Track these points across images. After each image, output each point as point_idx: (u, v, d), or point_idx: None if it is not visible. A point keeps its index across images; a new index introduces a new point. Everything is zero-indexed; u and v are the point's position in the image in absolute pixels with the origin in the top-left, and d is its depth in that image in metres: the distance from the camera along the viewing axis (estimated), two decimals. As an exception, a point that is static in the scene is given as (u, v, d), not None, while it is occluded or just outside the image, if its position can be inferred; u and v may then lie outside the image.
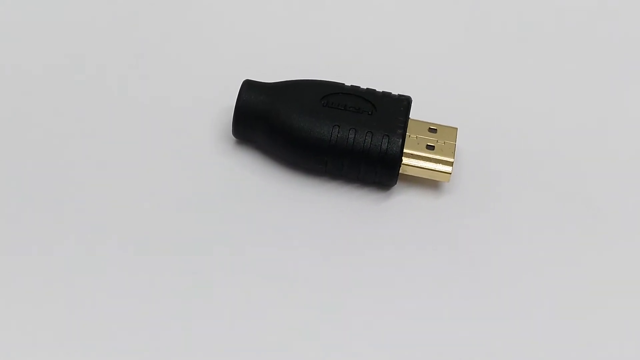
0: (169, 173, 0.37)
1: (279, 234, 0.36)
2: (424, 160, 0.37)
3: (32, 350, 0.34)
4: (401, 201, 0.37)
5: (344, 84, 0.37)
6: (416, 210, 0.37)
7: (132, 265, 0.35)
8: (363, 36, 0.41)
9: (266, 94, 0.37)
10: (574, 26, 0.42)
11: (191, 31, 0.41)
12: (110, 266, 0.35)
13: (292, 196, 0.37)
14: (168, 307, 0.34)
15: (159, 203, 0.36)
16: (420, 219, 0.37)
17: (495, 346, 0.34)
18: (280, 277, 0.35)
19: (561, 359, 0.34)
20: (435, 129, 0.37)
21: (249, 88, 0.37)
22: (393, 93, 0.37)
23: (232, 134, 0.37)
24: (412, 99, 0.37)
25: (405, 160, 0.36)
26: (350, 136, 0.36)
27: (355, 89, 0.37)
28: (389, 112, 0.37)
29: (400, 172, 0.37)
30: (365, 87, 0.37)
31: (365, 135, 0.36)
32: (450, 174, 0.37)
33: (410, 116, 0.37)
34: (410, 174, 0.37)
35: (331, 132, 0.36)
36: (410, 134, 0.37)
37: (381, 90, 0.37)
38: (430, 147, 0.37)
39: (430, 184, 0.37)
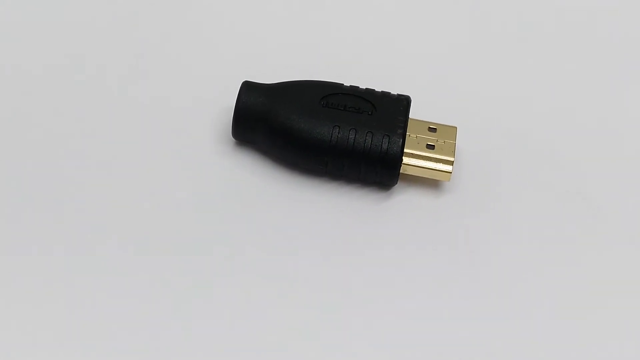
0: (169, 173, 0.37)
1: (279, 234, 0.36)
2: (424, 160, 0.37)
3: (32, 350, 0.34)
4: (402, 201, 0.37)
5: (342, 84, 0.37)
6: (417, 210, 0.37)
7: (132, 265, 0.35)
8: (362, 36, 0.41)
9: (265, 95, 0.37)
10: (574, 26, 0.42)
11: (191, 31, 0.41)
12: (110, 266, 0.35)
13: (292, 196, 0.37)
14: (168, 307, 0.34)
15: (159, 203, 0.36)
16: (420, 219, 0.37)
17: (495, 346, 0.34)
18: (280, 277, 0.35)
19: (561, 359, 0.34)
20: (435, 128, 0.37)
21: (248, 90, 0.37)
22: (392, 93, 0.37)
23: (232, 135, 0.37)
24: (411, 99, 0.37)
25: (405, 159, 0.36)
26: (350, 136, 0.36)
27: (354, 89, 0.37)
28: (388, 112, 0.37)
29: (400, 171, 0.36)
30: (364, 87, 0.37)
31: (366, 136, 0.36)
32: (451, 173, 0.37)
33: (410, 116, 0.37)
34: (410, 173, 0.37)
35: (331, 133, 0.36)
36: (410, 134, 0.37)
37: (380, 90, 0.37)
38: (431, 147, 0.37)
39: (430, 183, 0.37)
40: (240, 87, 0.37)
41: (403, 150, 0.36)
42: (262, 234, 0.36)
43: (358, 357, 0.34)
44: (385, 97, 0.37)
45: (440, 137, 0.37)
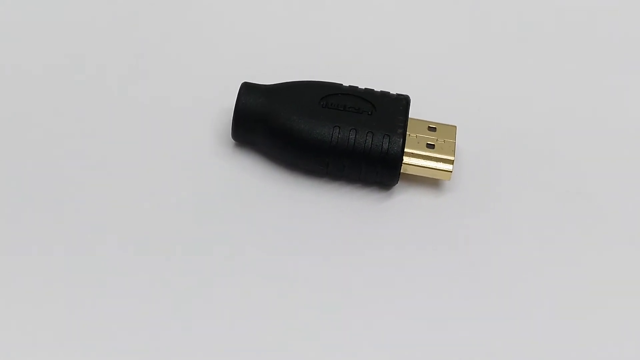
0: (169, 174, 0.37)
1: (279, 234, 0.36)
2: (424, 159, 0.37)
3: (32, 350, 0.34)
4: (402, 200, 0.37)
5: (342, 84, 0.37)
6: (417, 210, 0.37)
7: (132, 265, 0.35)
8: (361, 36, 0.41)
9: (265, 96, 0.37)
10: (574, 26, 0.42)
11: (191, 31, 0.41)
12: (110, 266, 0.35)
13: (293, 197, 0.37)
14: (168, 307, 0.34)
15: (159, 203, 0.36)
16: (421, 218, 0.37)
17: (495, 346, 0.34)
18: (280, 277, 0.35)
19: (561, 359, 0.34)
20: (435, 128, 0.37)
21: (248, 91, 0.37)
22: (391, 92, 0.37)
23: (232, 137, 0.37)
24: (410, 99, 0.37)
25: (406, 159, 0.36)
26: (351, 137, 0.36)
27: (353, 89, 0.37)
28: (388, 111, 0.37)
29: (401, 171, 0.37)
30: (363, 87, 0.37)
31: (366, 136, 0.36)
32: (451, 172, 0.37)
33: (409, 115, 0.37)
34: (411, 173, 0.37)
35: (332, 133, 0.36)
36: (410, 133, 0.37)
37: (380, 90, 0.37)
38: (431, 146, 0.37)
39: (430, 182, 0.37)
40: (240, 89, 0.37)
41: (403, 149, 0.36)
42: (262, 234, 0.36)
43: (358, 357, 0.34)
44: (384, 97, 0.37)
45: (440, 136, 0.37)
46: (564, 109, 0.40)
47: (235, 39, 0.41)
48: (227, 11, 0.42)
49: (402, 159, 0.36)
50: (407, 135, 0.36)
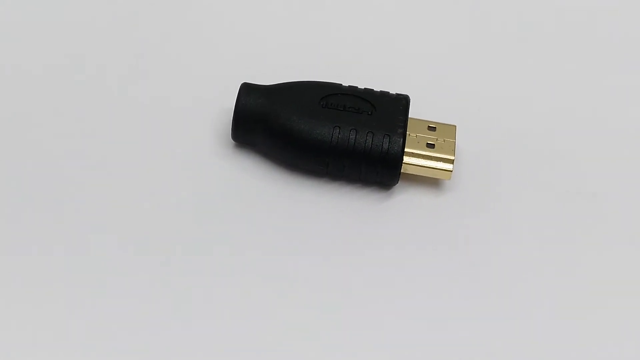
0: (169, 174, 0.37)
1: (279, 234, 0.36)
2: (424, 159, 0.37)
3: (32, 350, 0.34)
4: (402, 200, 0.37)
5: (341, 84, 0.37)
6: (417, 210, 0.37)
7: (132, 265, 0.35)
8: (361, 36, 0.41)
9: (265, 97, 0.37)
10: (574, 26, 0.42)
11: (191, 31, 0.41)
12: (110, 266, 0.35)
13: (293, 197, 0.37)
14: (168, 307, 0.34)
15: (159, 203, 0.36)
16: (421, 218, 0.37)
17: (495, 346, 0.34)
18: (280, 277, 0.35)
19: (561, 359, 0.34)
20: (435, 127, 0.37)
21: (247, 91, 0.37)
22: (391, 92, 0.37)
23: (232, 137, 0.37)
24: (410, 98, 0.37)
25: (406, 159, 0.36)
26: (351, 137, 0.36)
27: (353, 89, 0.37)
28: (388, 111, 0.37)
29: (401, 171, 0.36)
30: (363, 87, 0.37)
31: (366, 136, 0.36)
32: (452, 171, 0.37)
33: (409, 115, 0.37)
34: (411, 172, 0.37)
35: (332, 134, 0.36)
36: (410, 133, 0.37)
37: (379, 90, 0.37)
38: (431, 146, 0.37)
39: (431, 182, 0.37)
40: (239, 89, 0.37)
41: (404, 149, 0.36)
42: (262, 234, 0.36)
43: (358, 357, 0.34)
44: (384, 96, 0.37)
45: (440, 135, 0.37)
46: (564, 109, 0.40)
47: (235, 39, 0.41)
48: (227, 11, 0.42)
49: (403, 159, 0.36)
50: (407, 135, 0.36)
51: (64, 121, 0.38)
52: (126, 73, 0.40)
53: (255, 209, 0.36)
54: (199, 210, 0.36)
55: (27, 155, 0.37)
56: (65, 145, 0.38)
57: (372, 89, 0.37)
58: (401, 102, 0.37)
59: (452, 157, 0.37)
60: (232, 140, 0.37)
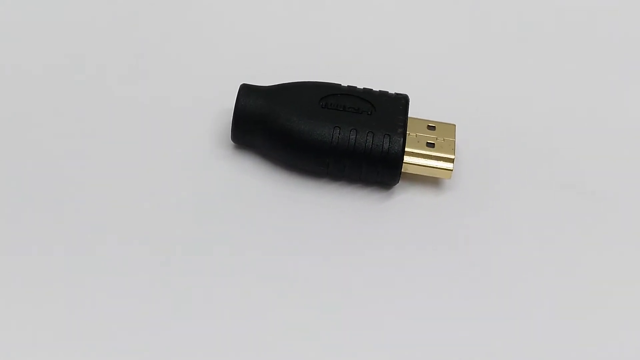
0: (169, 174, 0.37)
1: (280, 235, 0.36)
2: (425, 158, 0.37)
3: (32, 350, 0.34)
4: (403, 200, 0.37)
5: (340, 84, 0.37)
6: (418, 209, 0.37)
7: (132, 266, 0.35)
8: (359, 36, 0.41)
9: (264, 98, 0.37)
10: (573, 26, 0.42)
11: (191, 31, 0.41)
12: (110, 266, 0.35)
13: (293, 198, 0.37)
14: (168, 307, 0.34)
15: (159, 203, 0.36)
16: (422, 218, 0.37)
17: (495, 346, 0.34)
18: (281, 277, 0.35)
19: (561, 359, 0.34)
20: (434, 127, 0.37)
21: (247, 93, 0.37)
22: (390, 92, 0.37)
23: (231, 139, 0.37)
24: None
25: (406, 158, 0.36)
26: (351, 137, 0.36)
27: (352, 89, 0.37)
28: (388, 111, 0.37)
29: (402, 170, 0.37)
30: (362, 87, 0.37)
31: (366, 136, 0.36)
32: (452, 170, 0.37)
33: (408, 114, 0.37)
34: (411, 172, 0.37)
35: (332, 134, 0.36)
36: (410, 133, 0.37)
37: (378, 90, 0.37)
38: (431, 145, 0.37)
39: (431, 181, 0.37)
40: (239, 90, 0.37)
41: (404, 149, 0.36)
42: (262, 234, 0.36)
43: (358, 357, 0.34)
44: (383, 96, 0.37)
45: (440, 135, 0.37)
46: (563, 108, 0.40)
47: (234, 40, 0.41)
48: (226, 11, 0.42)
49: (403, 159, 0.36)
50: (407, 135, 0.36)
51: (64, 121, 0.38)
52: (126, 73, 0.40)
53: (255, 209, 0.36)
54: (198, 211, 0.36)
55: (27, 155, 0.37)
56: (65, 145, 0.38)
57: (371, 89, 0.37)
58: (400, 102, 0.37)
59: (452, 156, 0.37)
60: (232, 141, 0.37)
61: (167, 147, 0.38)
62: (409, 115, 0.37)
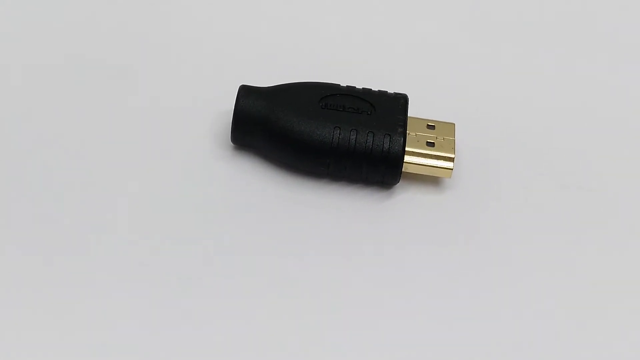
0: (169, 176, 0.37)
1: (280, 235, 0.36)
2: (425, 158, 0.37)
3: (32, 350, 0.33)
4: (404, 199, 0.37)
5: (339, 84, 0.37)
6: (419, 208, 0.37)
7: (132, 266, 0.35)
8: (358, 35, 0.41)
9: (263, 99, 0.37)
10: (573, 24, 0.42)
11: (190, 32, 0.41)
12: (110, 267, 0.35)
13: (294, 198, 0.37)
14: (168, 307, 0.34)
15: (159, 204, 0.36)
16: (423, 217, 0.37)
17: (496, 346, 0.34)
18: (281, 278, 0.35)
19: (562, 358, 0.34)
20: (434, 126, 0.37)
21: (246, 94, 0.37)
22: (389, 92, 0.37)
23: (231, 140, 0.37)
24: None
25: (407, 158, 0.36)
26: (351, 137, 0.36)
27: (351, 89, 0.37)
28: (387, 111, 0.37)
29: (402, 170, 0.36)
30: (361, 87, 0.37)
31: (367, 136, 0.36)
32: (452, 169, 0.37)
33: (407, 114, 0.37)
34: (412, 171, 0.37)
35: (332, 134, 0.36)
36: (410, 132, 0.37)
37: (377, 90, 0.37)
38: (431, 144, 0.37)
39: (431, 180, 0.37)
40: (238, 92, 0.37)
41: (405, 148, 0.36)
42: (263, 235, 0.36)
43: (358, 357, 0.34)
44: (382, 96, 0.37)
45: (439, 134, 0.37)
46: (564, 108, 0.40)
47: (232, 41, 0.41)
48: (224, 12, 0.42)
49: (404, 158, 0.36)
50: (407, 134, 0.36)
51: (63, 121, 0.38)
52: (125, 74, 0.40)
53: (255, 210, 0.36)
54: (198, 213, 0.36)
55: (26, 155, 0.37)
56: (64, 145, 0.38)
57: (370, 89, 0.37)
58: (400, 101, 0.37)
59: (452, 155, 0.37)
60: (231, 143, 0.37)
61: (166, 148, 0.38)
62: (408, 115, 0.37)
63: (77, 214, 0.36)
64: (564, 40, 0.42)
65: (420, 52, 0.41)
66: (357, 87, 0.37)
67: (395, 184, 0.37)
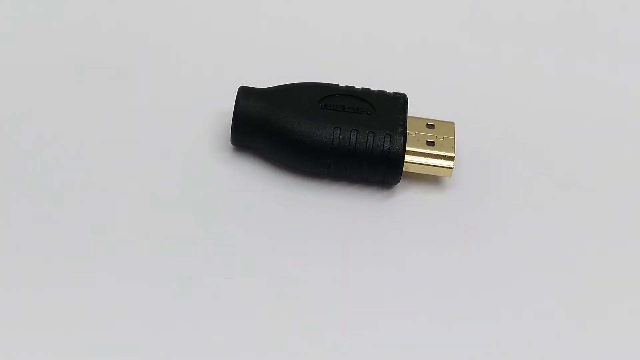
0: (168, 178, 0.37)
1: (281, 236, 0.36)
2: (425, 157, 0.37)
3: (32, 350, 0.33)
4: (404, 199, 0.37)
5: (338, 84, 0.37)
6: (420, 207, 0.37)
7: (132, 267, 0.35)
8: (356, 35, 0.41)
9: (263, 100, 0.37)
10: (572, 24, 0.42)
11: (190, 33, 0.41)
12: (108, 267, 0.35)
13: (294, 199, 0.37)
14: (168, 307, 0.34)
15: (158, 206, 0.36)
16: (424, 216, 0.37)
17: (497, 346, 0.34)
18: (282, 278, 0.35)
19: (562, 358, 0.34)
20: (433, 125, 0.37)
21: (245, 95, 0.37)
22: (388, 91, 0.37)
23: (231, 142, 0.37)
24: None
25: (407, 157, 0.36)
26: (352, 137, 0.36)
27: (351, 90, 0.37)
28: (387, 110, 0.37)
29: (403, 169, 0.36)
30: (360, 87, 0.37)
31: (367, 136, 0.36)
32: (452, 168, 0.37)
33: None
34: (412, 171, 0.37)
35: (333, 135, 0.36)
36: (410, 131, 0.37)
37: (376, 89, 0.37)
38: (431, 143, 0.37)
39: (431, 179, 0.37)
40: (237, 93, 0.37)
41: (405, 148, 0.36)
42: (264, 235, 0.36)
43: (358, 357, 0.34)
44: (381, 96, 0.37)
45: (439, 133, 0.37)
46: (564, 107, 0.40)
47: (230, 41, 0.41)
48: (223, 13, 0.42)
49: (404, 158, 0.36)
50: (407, 134, 0.36)
51: (63, 121, 0.38)
52: (125, 74, 0.40)
53: (255, 210, 0.36)
54: (198, 214, 0.36)
55: (26, 155, 0.37)
56: (64, 145, 0.38)
57: (370, 89, 0.37)
58: (399, 101, 0.37)
59: (452, 154, 0.37)
60: (231, 144, 0.37)
61: (166, 148, 0.38)
62: (408, 115, 0.37)
63: (77, 214, 0.36)
64: (564, 40, 0.42)
65: (420, 52, 0.41)
66: (356, 87, 0.37)
67: (396, 183, 0.37)
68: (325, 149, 0.36)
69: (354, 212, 0.37)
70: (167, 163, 0.37)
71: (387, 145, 0.36)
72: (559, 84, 0.41)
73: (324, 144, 0.36)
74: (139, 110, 0.39)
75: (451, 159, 0.37)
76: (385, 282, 0.35)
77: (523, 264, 0.36)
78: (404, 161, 0.36)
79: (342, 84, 0.37)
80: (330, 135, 0.36)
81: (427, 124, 0.37)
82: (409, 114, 0.37)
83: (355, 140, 0.36)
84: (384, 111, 0.37)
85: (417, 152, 0.37)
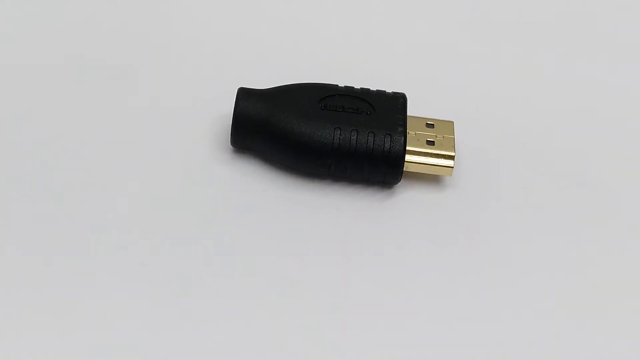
0: (168, 180, 0.37)
1: (282, 236, 0.36)
2: (425, 156, 0.37)
3: (32, 350, 0.33)
4: (405, 199, 0.37)
5: (337, 85, 0.37)
6: (420, 207, 0.37)
7: (132, 265, 0.35)
8: (355, 35, 0.41)
9: (263, 101, 0.37)
10: (572, 24, 0.42)
11: (189, 34, 0.41)
12: (108, 268, 0.35)
13: (294, 199, 0.37)
14: (168, 307, 0.34)
15: (158, 207, 0.36)
16: (425, 216, 0.37)
17: (497, 346, 0.34)
18: (282, 278, 0.35)
19: (561, 358, 0.34)
20: (433, 124, 0.37)
21: (245, 96, 0.37)
22: (387, 91, 0.37)
23: (230, 143, 0.37)
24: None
25: (408, 157, 0.36)
26: (352, 137, 0.36)
27: (350, 90, 0.37)
28: (387, 110, 0.37)
29: (403, 169, 0.36)
30: (359, 87, 0.37)
31: (367, 136, 0.36)
32: (453, 167, 0.37)
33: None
34: (413, 170, 0.37)
35: (333, 135, 0.36)
36: (410, 131, 0.37)
37: (375, 89, 0.37)
38: (431, 143, 0.37)
39: (431, 179, 0.37)
40: (237, 94, 0.37)
41: (405, 148, 0.36)
42: (264, 236, 0.36)
43: (358, 357, 0.34)
44: (381, 96, 0.37)
45: (439, 132, 0.37)
46: (564, 107, 0.40)
47: (229, 42, 0.41)
48: (222, 13, 0.42)
49: (405, 157, 0.36)
50: (407, 133, 0.36)
51: (63, 121, 0.38)
52: (125, 74, 0.40)
53: (256, 210, 0.36)
54: (198, 216, 0.36)
55: (26, 155, 0.37)
56: (64, 145, 0.38)
57: (369, 89, 0.37)
58: (399, 101, 0.37)
59: (452, 153, 0.37)
60: (231, 146, 0.37)
61: (166, 149, 0.38)
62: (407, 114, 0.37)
63: (77, 214, 0.36)
64: (564, 40, 0.42)
65: (420, 52, 0.41)
66: (355, 87, 0.37)
67: (396, 183, 0.37)
68: (326, 149, 0.36)
69: (354, 212, 0.37)
70: (167, 163, 0.37)
71: (387, 145, 0.36)
72: (559, 84, 0.41)
73: (325, 145, 0.36)
74: (139, 110, 0.39)
75: (451, 157, 0.37)
76: (385, 282, 0.35)
77: (523, 264, 0.36)
78: (404, 161, 0.36)
79: (342, 84, 0.37)
80: (331, 135, 0.36)
81: (427, 124, 0.37)
82: (408, 113, 0.37)
83: (356, 141, 0.36)
84: (384, 111, 0.37)
85: (417, 151, 0.37)
